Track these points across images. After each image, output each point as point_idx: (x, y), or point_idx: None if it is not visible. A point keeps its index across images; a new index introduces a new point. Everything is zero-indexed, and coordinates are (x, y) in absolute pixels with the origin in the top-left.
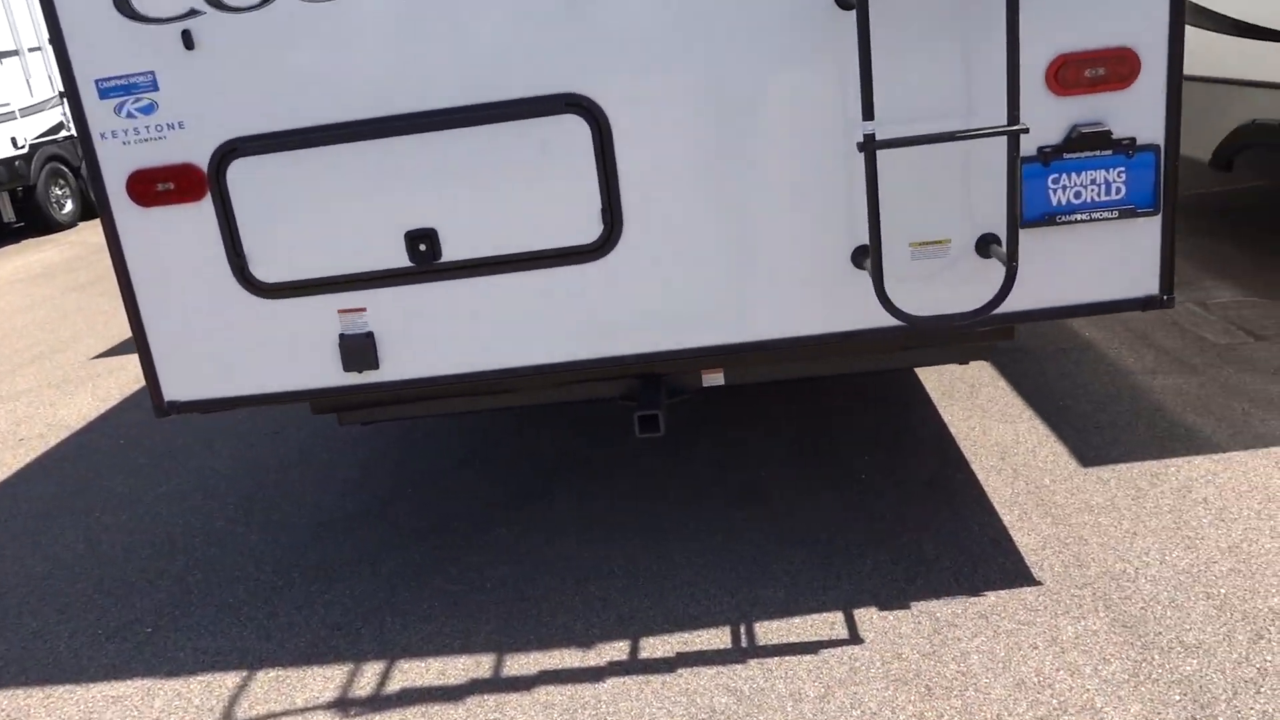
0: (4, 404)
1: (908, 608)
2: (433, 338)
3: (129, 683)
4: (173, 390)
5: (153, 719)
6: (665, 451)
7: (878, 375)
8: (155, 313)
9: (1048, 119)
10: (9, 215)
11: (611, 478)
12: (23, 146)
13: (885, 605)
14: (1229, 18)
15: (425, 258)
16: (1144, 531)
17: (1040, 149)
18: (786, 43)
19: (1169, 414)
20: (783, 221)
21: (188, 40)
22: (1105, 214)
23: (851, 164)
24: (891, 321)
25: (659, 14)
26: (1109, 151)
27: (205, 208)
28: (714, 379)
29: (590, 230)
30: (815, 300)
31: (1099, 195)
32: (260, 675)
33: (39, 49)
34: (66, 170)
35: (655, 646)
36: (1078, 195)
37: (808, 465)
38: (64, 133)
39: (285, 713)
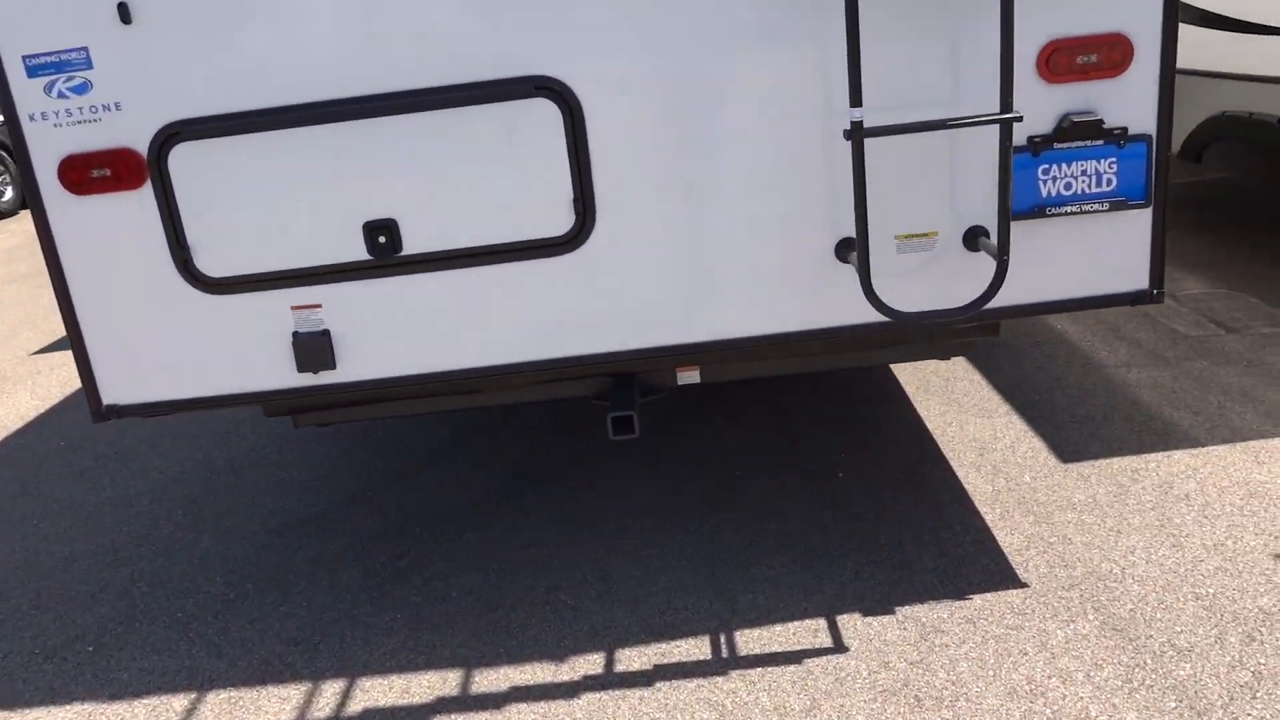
0: None
1: (892, 613)
2: (393, 336)
3: (68, 707)
4: (111, 393)
5: None
6: (635, 448)
7: (853, 370)
8: (92, 310)
9: (1038, 107)
10: None
11: (582, 476)
12: None
13: (869, 610)
14: (1197, 8)
15: (385, 250)
16: (1128, 529)
17: (1030, 138)
18: (770, 24)
19: (1145, 408)
20: (764, 213)
21: (124, 13)
22: (1096, 206)
23: (835, 153)
24: (877, 317)
25: None
26: (1100, 141)
27: (145, 196)
28: (689, 377)
29: (561, 221)
30: (797, 296)
31: (1089, 187)
32: (211, 697)
33: None
34: (5, 155)
35: (632, 658)
36: (1068, 186)
37: (782, 462)
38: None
39: None
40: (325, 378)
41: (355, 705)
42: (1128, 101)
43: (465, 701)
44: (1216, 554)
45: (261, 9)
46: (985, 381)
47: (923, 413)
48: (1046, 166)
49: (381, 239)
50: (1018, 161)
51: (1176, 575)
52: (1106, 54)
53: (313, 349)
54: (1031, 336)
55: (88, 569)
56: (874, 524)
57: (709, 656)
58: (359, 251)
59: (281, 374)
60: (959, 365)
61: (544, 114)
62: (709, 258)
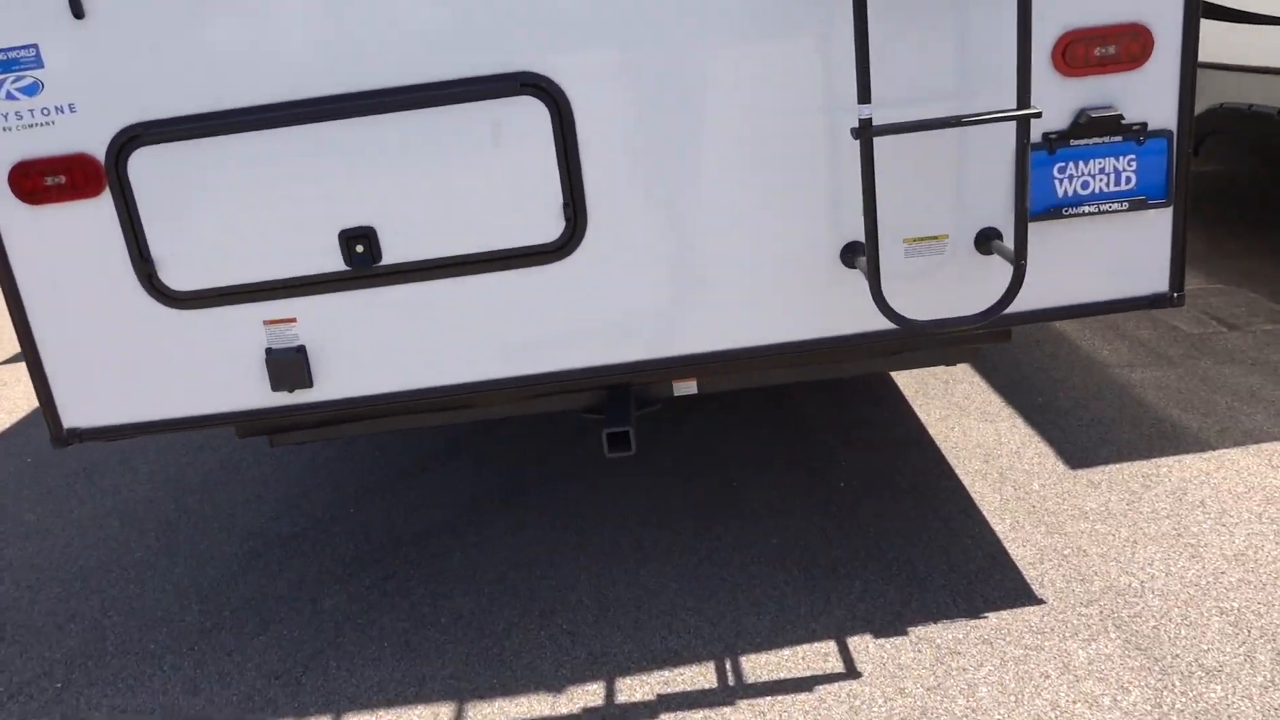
0: None
1: (905, 634)
2: (373, 351)
3: None
4: (73, 417)
5: None
6: (631, 459)
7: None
8: (49, 328)
9: (1054, 102)
10: None
11: (575, 490)
12: None
13: (881, 632)
14: None
15: (363, 260)
16: (1144, 540)
17: (1045, 135)
18: (773, 14)
19: (1153, 410)
20: (766, 216)
21: (76, 7)
22: (1114, 205)
23: (840, 153)
24: (884, 325)
25: None
26: (1119, 138)
27: (104, 205)
28: (686, 387)
29: (551, 228)
30: (802, 303)
31: (1108, 185)
32: None
33: None
34: None
35: (633, 688)
36: (1085, 185)
37: (782, 472)
38: None
39: None
40: (302, 396)
41: None
42: (1147, 95)
43: None
44: (1238, 565)
45: (227, 1)
46: (985, 383)
47: (923, 417)
48: (1063, 165)
49: (359, 248)
50: (1033, 160)
51: (1198, 589)
52: (1125, 45)
53: (288, 366)
54: (1030, 335)
55: (55, 598)
56: (880, 538)
57: (714, 685)
58: (335, 262)
59: (255, 393)
60: (958, 366)
61: (531, 113)
62: (708, 265)
